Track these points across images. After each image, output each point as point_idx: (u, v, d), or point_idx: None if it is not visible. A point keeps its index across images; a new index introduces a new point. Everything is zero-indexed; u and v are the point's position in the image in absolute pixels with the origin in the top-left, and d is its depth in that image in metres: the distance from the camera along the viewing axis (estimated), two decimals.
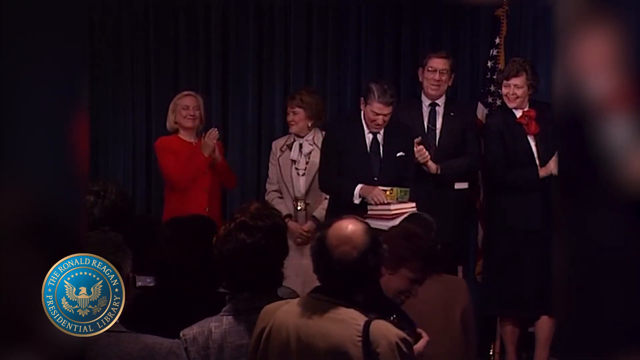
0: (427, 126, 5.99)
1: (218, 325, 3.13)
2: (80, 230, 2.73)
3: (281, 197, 6.07)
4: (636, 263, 2.24)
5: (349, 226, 2.94)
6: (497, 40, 6.42)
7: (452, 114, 6.00)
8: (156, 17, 6.80)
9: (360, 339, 2.84)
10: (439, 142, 5.95)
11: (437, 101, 6.04)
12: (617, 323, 2.24)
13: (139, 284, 4.12)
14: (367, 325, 2.85)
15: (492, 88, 6.29)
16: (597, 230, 2.26)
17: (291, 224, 5.88)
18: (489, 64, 6.42)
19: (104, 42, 6.75)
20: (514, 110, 5.86)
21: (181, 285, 3.43)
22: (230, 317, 3.14)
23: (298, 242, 5.80)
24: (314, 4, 6.83)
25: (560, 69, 2.24)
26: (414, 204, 5.42)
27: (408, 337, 2.93)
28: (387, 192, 5.41)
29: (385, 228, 5.12)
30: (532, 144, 5.80)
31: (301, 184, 6.02)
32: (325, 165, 5.72)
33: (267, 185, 6.18)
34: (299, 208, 6.01)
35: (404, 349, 2.87)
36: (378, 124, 5.56)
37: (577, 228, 2.29)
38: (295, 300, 3.02)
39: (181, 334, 3.13)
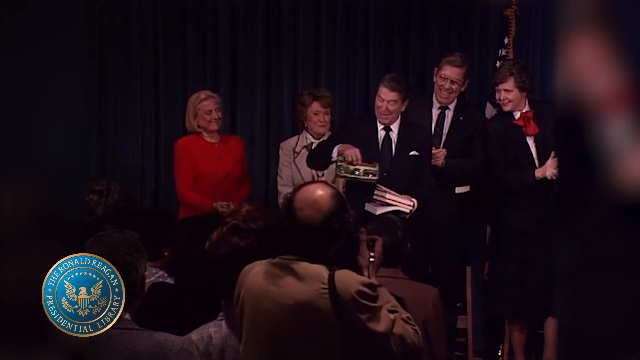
0: (435, 129, 5.97)
1: (217, 330, 3.14)
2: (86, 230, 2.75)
3: None
4: (636, 264, 2.23)
5: (317, 190, 3.00)
6: (506, 40, 6.43)
7: (461, 118, 5.98)
8: (165, 17, 6.79)
9: (326, 291, 2.88)
10: (444, 146, 5.92)
11: (448, 105, 6.00)
12: (615, 325, 2.23)
13: (151, 279, 4.14)
14: (331, 277, 2.90)
15: None
16: (597, 231, 2.25)
17: None
18: (498, 64, 6.38)
19: (113, 43, 6.76)
20: (512, 112, 5.83)
21: (197, 285, 3.46)
22: (229, 321, 3.13)
23: None
24: (323, 3, 6.82)
25: (560, 70, 2.24)
26: (411, 203, 5.46)
27: (371, 280, 2.97)
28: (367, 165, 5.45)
29: (375, 212, 5.18)
30: (532, 145, 5.79)
31: None
32: (322, 142, 5.80)
33: (281, 188, 6.15)
34: None
35: (370, 292, 2.91)
36: (383, 111, 5.58)
37: (577, 229, 2.28)
38: (265, 262, 3.04)
39: None
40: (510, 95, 5.75)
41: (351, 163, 5.40)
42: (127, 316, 2.88)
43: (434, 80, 5.98)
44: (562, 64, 2.23)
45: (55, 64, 2.60)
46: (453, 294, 5.99)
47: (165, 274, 4.28)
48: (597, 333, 2.26)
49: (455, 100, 6.01)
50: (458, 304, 6.18)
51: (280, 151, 6.21)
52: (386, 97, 5.58)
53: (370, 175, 5.41)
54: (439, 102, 5.99)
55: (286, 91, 6.82)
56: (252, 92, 6.84)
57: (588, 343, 2.28)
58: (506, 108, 5.81)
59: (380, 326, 2.91)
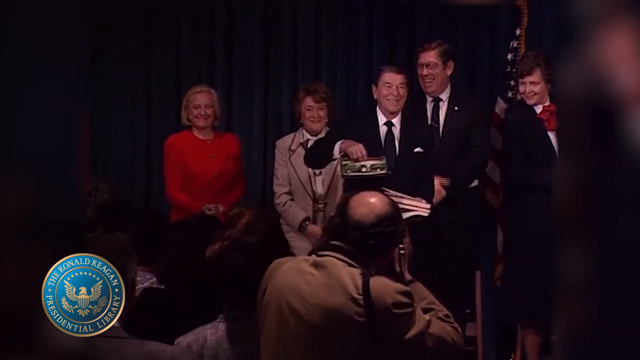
0: (431, 123, 6.00)
1: (214, 332, 3.18)
2: (82, 229, 2.80)
3: (293, 200, 6.11)
4: None
5: (375, 196, 3.08)
6: (518, 32, 6.43)
7: (456, 108, 6.02)
8: (157, 10, 6.79)
9: (361, 297, 2.90)
10: (441, 140, 5.97)
11: (440, 96, 6.06)
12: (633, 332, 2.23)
13: (144, 284, 4.18)
14: (366, 284, 2.91)
15: (513, 82, 6.29)
16: (622, 234, 2.23)
17: (311, 227, 5.98)
18: (509, 56, 6.43)
19: (105, 38, 6.76)
20: (533, 106, 5.87)
21: (190, 290, 3.50)
22: (226, 324, 3.19)
23: None
24: None
25: (582, 63, 2.23)
26: (428, 206, 5.48)
27: (407, 288, 2.98)
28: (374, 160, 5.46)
29: None
30: (554, 140, 5.80)
31: (318, 183, 6.06)
32: (321, 140, 5.81)
33: (277, 188, 6.19)
34: (318, 209, 6.04)
35: (406, 300, 2.93)
36: (393, 96, 5.60)
37: (599, 232, 2.26)
38: (299, 258, 3.10)
39: (175, 342, 3.19)
40: (536, 88, 5.81)
41: (357, 160, 5.41)
42: (116, 323, 2.90)
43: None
44: (586, 55, 2.21)
45: (54, 63, 2.64)
46: (462, 299, 6.02)
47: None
48: (604, 348, 2.26)
49: (449, 91, 6.06)
50: (467, 311, 6.20)
51: (276, 150, 6.25)
52: (394, 80, 5.62)
53: (379, 170, 5.41)
54: (429, 94, 6.04)
55: (285, 87, 6.82)
56: (249, 87, 6.84)
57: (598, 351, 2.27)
58: (531, 101, 5.86)
59: (414, 329, 2.93)
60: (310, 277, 2.98)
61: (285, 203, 6.11)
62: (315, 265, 3.01)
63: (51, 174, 2.61)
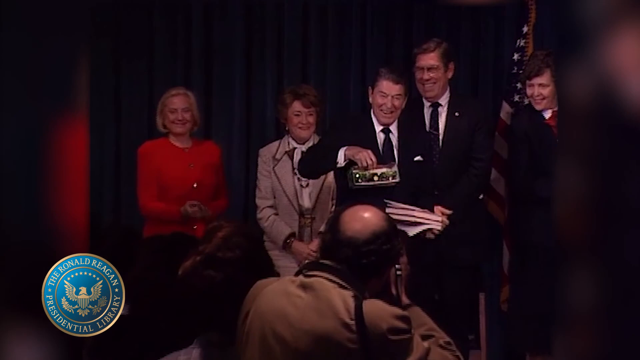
0: (430, 131, 5.93)
1: (187, 358, 3.13)
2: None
3: (277, 214, 6.05)
4: None
5: (369, 210, 3.05)
6: (525, 29, 6.45)
7: (457, 114, 5.93)
8: (128, 6, 6.77)
9: (353, 322, 2.87)
10: (441, 149, 5.89)
11: (439, 101, 5.98)
12: None
13: None
14: (359, 308, 2.88)
15: (519, 85, 6.30)
16: (634, 253, 2.23)
17: (297, 244, 5.97)
18: (516, 56, 6.45)
19: None
20: (542, 110, 5.85)
21: (162, 313, 3.47)
22: (200, 349, 3.14)
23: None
24: None
25: (588, 68, 2.23)
26: (439, 218, 5.50)
27: (404, 313, 2.95)
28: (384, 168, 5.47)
29: (408, 234, 5.16)
30: None
31: (305, 196, 6.02)
32: (316, 147, 5.76)
33: (259, 201, 6.14)
34: (305, 224, 6.02)
35: (403, 326, 2.90)
36: (387, 108, 5.59)
37: (610, 251, 2.25)
38: (285, 279, 3.06)
39: None
40: (545, 90, 5.80)
41: (366, 168, 5.39)
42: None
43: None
44: (591, 61, 2.22)
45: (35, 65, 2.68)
46: (464, 324, 5.96)
47: None
48: None
49: (448, 95, 5.98)
50: (470, 337, 6.15)
51: (259, 159, 6.21)
52: (390, 91, 5.59)
53: (391, 178, 5.45)
54: (428, 100, 5.96)
55: (269, 89, 6.80)
56: (230, 90, 6.83)
57: None
58: (539, 106, 5.85)
59: (412, 358, 2.91)
60: (298, 300, 2.96)
61: (268, 218, 6.05)
62: (303, 286, 2.98)
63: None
